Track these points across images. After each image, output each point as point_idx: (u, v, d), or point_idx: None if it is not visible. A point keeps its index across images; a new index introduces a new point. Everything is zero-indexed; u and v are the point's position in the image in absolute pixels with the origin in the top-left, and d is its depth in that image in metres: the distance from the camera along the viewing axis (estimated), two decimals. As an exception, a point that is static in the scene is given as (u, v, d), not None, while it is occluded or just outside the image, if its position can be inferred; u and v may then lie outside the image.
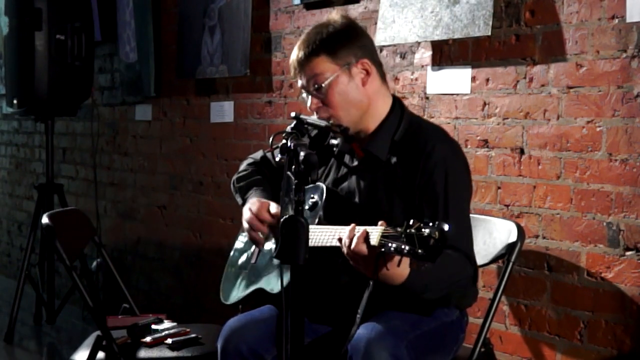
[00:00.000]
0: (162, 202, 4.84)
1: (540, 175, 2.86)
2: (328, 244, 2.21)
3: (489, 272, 3.00)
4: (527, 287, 2.92)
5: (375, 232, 2.02)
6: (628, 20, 2.58)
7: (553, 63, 2.80)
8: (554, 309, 2.84)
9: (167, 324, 3.01)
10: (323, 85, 2.38)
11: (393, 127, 2.43)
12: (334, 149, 2.54)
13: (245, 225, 2.50)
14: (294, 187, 2.02)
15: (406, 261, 2.04)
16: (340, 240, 2.13)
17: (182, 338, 2.87)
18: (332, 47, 2.39)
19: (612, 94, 2.64)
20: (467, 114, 3.08)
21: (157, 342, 2.85)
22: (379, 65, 2.46)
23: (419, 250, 1.90)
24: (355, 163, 2.48)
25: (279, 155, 2.14)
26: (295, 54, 2.44)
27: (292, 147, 2.10)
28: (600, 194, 2.69)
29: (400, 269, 2.06)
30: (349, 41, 2.42)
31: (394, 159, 2.40)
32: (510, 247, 2.66)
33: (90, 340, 2.84)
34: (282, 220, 2.00)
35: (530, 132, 2.88)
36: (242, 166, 2.78)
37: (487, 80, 3.01)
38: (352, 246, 2.07)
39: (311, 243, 2.25)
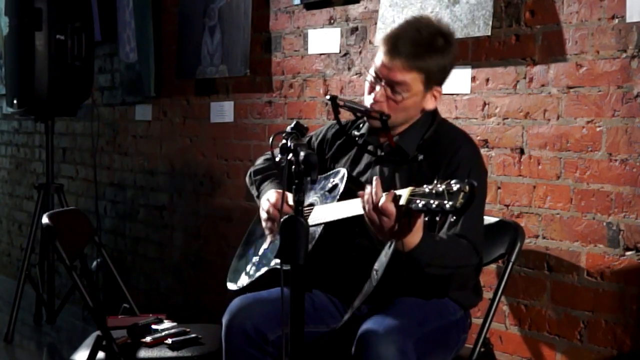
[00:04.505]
0: (162, 202, 4.84)
1: (540, 175, 2.86)
2: (349, 215, 2.27)
3: (489, 272, 3.00)
4: (527, 287, 2.92)
5: (404, 193, 2.06)
6: (628, 20, 2.58)
7: (553, 63, 2.80)
8: (554, 309, 2.84)
9: (167, 324, 3.01)
10: (403, 94, 2.41)
11: (424, 127, 2.51)
12: (357, 139, 2.58)
13: (263, 215, 2.55)
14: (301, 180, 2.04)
15: (419, 228, 2.12)
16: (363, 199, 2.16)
17: (182, 338, 2.87)
18: (432, 71, 2.41)
19: (612, 94, 2.64)
20: (467, 114, 3.08)
21: (157, 342, 2.85)
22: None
23: (448, 204, 1.92)
24: (381, 153, 2.53)
25: (279, 155, 2.15)
26: (398, 49, 2.38)
27: (292, 147, 2.10)
28: (600, 194, 2.69)
29: (412, 236, 2.14)
30: (444, 70, 2.46)
31: (420, 157, 2.46)
32: (510, 247, 2.68)
33: (90, 340, 2.84)
34: (282, 220, 2.01)
35: (530, 132, 2.88)
36: (259, 160, 2.85)
37: (487, 80, 3.01)
38: (381, 203, 2.10)
39: (331, 217, 2.36)
